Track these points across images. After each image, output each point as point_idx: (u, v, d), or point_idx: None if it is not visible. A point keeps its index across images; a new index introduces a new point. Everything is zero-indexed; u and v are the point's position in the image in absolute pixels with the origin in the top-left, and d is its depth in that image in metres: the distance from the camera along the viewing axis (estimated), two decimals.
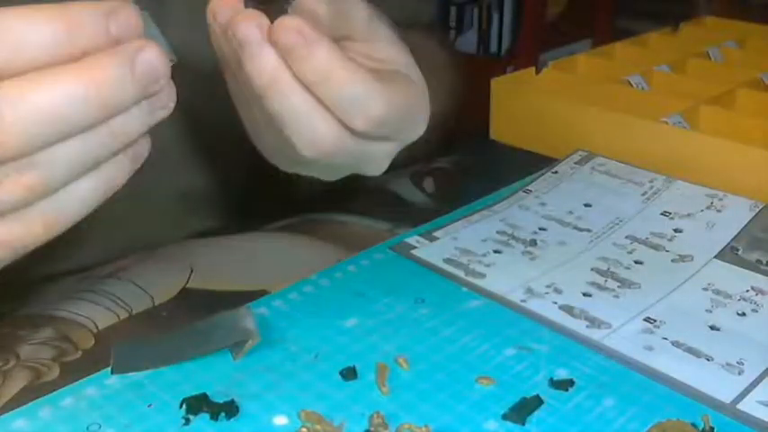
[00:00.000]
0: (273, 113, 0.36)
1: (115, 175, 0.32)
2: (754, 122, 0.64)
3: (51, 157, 0.29)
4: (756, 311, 0.45)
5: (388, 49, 0.39)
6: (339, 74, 0.35)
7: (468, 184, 0.64)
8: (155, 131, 0.33)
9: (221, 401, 0.37)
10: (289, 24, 0.34)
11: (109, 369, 0.40)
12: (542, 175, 0.61)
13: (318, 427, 0.36)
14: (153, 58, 0.29)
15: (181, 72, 0.32)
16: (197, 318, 0.43)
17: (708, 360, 0.41)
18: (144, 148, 0.33)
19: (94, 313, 0.46)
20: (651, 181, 0.58)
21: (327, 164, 0.39)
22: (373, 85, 0.36)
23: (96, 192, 0.32)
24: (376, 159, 0.41)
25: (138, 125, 0.31)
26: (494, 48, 2.19)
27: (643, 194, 0.57)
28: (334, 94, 0.35)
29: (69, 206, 0.31)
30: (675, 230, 0.53)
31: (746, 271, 0.48)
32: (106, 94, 0.28)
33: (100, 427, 0.36)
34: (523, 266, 0.49)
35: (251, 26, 0.34)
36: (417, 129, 0.40)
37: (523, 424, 0.36)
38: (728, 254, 0.50)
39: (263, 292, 0.47)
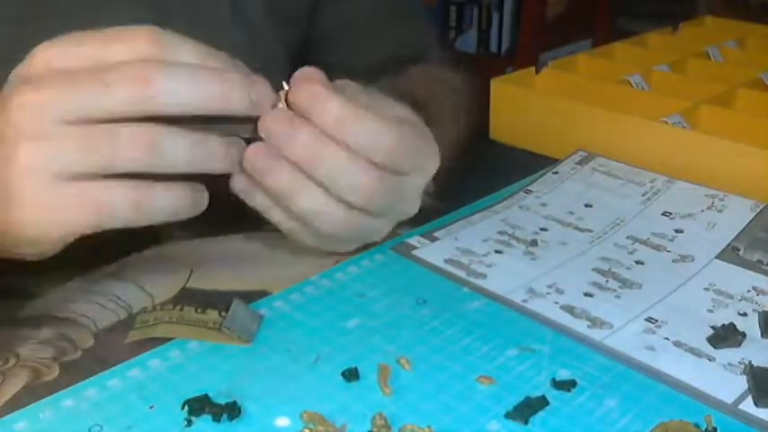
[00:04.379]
0: (300, 211, 0.43)
1: (193, 202, 0.39)
2: (754, 122, 0.64)
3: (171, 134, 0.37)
4: (758, 311, 0.45)
5: (394, 107, 0.46)
6: (353, 117, 0.41)
7: (468, 184, 0.64)
8: None
9: (223, 403, 0.37)
10: (303, 86, 0.41)
11: (111, 370, 0.40)
12: (543, 175, 0.61)
13: (321, 428, 0.36)
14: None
15: None
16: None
17: (709, 360, 0.41)
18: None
19: (94, 313, 0.46)
20: (652, 181, 0.58)
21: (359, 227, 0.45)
22: (384, 121, 0.42)
23: (177, 201, 0.39)
24: (408, 197, 0.46)
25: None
26: (494, 48, 2.19)
27: (644, 195, 0.57)
28: (351, 135, 0.41)
29: (156, 199, 0.38)
30: (676, 231, 0.53)
31: (748, 271, 0.48)
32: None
33: (101, 428, 0.36)
34: (524, 267, 0.49)
35: (259, 156, 0.42)
36: (429, 166, 0.46)
37: (526, 423, 0.36)
38: (730, 254, 0.50)
39: (263, 293, 0.47)
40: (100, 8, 0.55)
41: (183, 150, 0.38)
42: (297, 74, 0.42)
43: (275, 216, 0.44)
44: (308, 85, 0.41)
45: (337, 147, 0.41)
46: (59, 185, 0.37)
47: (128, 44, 0.37)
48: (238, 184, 0.43)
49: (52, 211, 0.38)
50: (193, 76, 0.37)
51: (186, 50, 0.38)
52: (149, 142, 0.37)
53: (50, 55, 0.38)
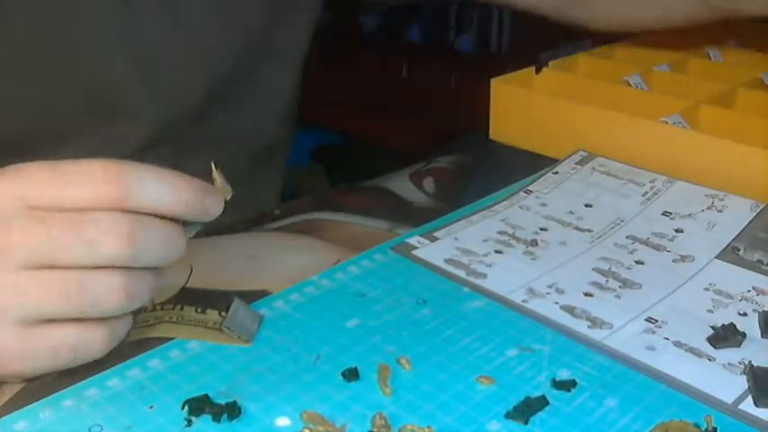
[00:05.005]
0: None
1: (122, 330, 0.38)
2: (754, 122, 0.63)
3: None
4: (758, 311, 0.45)
5: None
6: None
7: (468, 184, 0.64)
8: None
9: (223, 403, 0.37)
10: None
11: (111, 369, 0.40)
12: (543, 175, 0.61)
13: (321, 428, 0.36)
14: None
15: None
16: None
17: (709, 360, 0.41)
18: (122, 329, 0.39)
19: None
20: (652, 181, 0.58)
21: None
22: None
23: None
24: None
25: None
26: (493, 47, 2.19)
27: (644, 195, 0.57)
28: None
29: (127, 325, 0.38)
30: (676, 231, 0.53)
31: (748, 271, 0.48)
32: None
33: (101, 428, 0.36)
34: (524, 266, 0.49)
35: None
36: None
37: (526, 423, 0.36)
38: (730, 254, 0.50)
39: (263, 293, 0.47)
40: None
41: (151, 287, 0.37)
42: None
43: None
44: None
45: None
46: (27, 331, 0.36)
47: (92, 188, 0.35)
48: None
49: (19, 359, 0.37)
50: (168, 235, 0.37)
51: (150, 184, 0.36)
52: (126, 292, 0.36)
53: (16, 191, 0.36)
